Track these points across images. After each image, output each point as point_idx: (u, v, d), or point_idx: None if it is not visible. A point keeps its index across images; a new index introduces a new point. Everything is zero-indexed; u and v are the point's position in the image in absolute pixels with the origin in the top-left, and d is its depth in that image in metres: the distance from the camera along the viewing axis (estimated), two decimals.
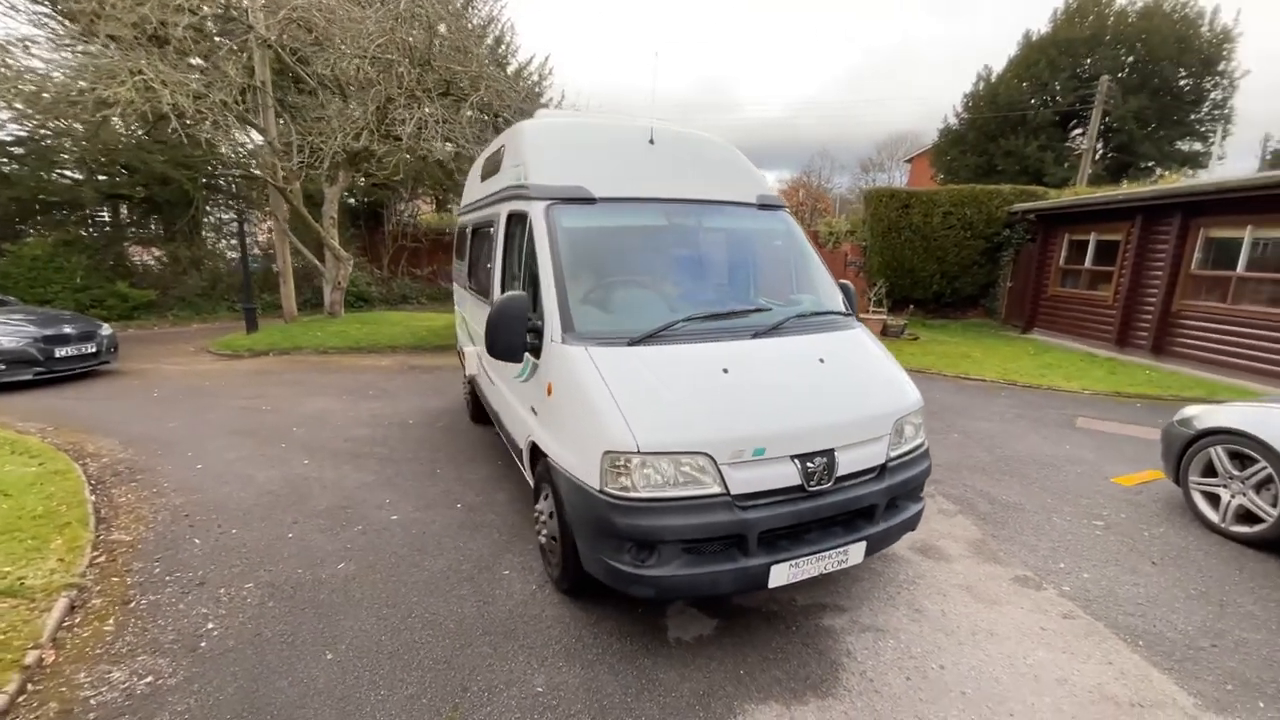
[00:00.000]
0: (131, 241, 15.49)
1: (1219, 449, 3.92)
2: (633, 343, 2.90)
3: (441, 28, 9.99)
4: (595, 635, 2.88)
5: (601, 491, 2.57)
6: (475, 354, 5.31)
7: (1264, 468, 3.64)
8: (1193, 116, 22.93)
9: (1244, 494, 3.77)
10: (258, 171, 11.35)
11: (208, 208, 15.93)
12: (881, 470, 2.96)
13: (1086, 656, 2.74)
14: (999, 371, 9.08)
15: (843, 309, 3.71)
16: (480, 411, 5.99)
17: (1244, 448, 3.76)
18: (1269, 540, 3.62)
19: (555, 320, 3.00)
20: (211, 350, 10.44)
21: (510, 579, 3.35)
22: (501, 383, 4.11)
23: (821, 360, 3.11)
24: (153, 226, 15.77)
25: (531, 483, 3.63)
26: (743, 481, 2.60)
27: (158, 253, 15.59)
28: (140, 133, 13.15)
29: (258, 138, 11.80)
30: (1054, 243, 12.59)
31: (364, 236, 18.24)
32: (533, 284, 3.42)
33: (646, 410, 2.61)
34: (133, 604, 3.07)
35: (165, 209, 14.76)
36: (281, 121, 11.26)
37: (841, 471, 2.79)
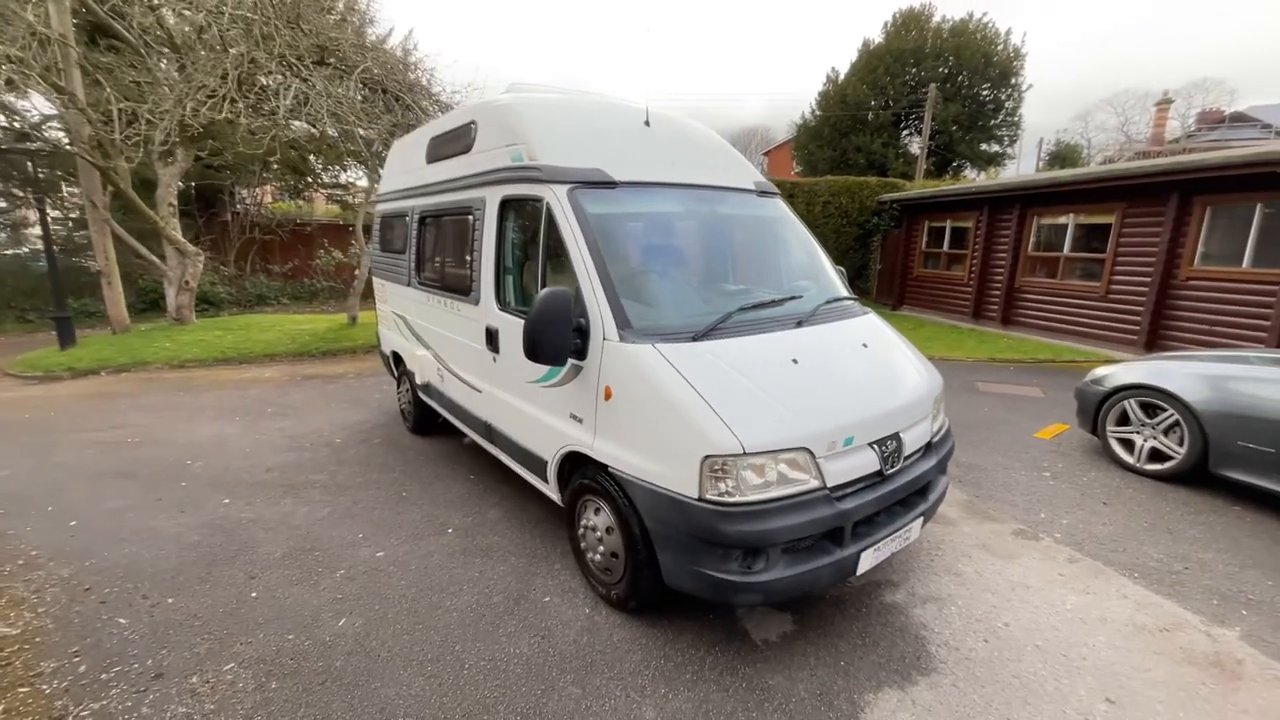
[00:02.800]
0: None
1: (1132, 401, 4.65)
2: (696, 337, 2.72)
3: None
4: (681, 652, 2.68)
5: (701, 500, 2.38)
6: (430, 358, 4.72)
7: (1171, 415, 4.38)
8: (993, 123, 27.10)
9: (1155, 438, 4.52)
10: (70, 147, 9.05)
11: None
12: (929, 447, 3.09)
13: (1107, 594, 3.09)
14: None
15: (849, 294, 3.81)
16: (426, 423, 5.38)
17: (1153, 399, 4.50)
18: (1177, 474, 4.37)
19: (608, 317, 2.72)
20: (12, 372, 8.27)
21: (556, 605, 3.01)
22: (501, 390, 3.66)
23: (865, 345, 3.16)
24: None
25: (559, 499, 3.29)
26: (836, 473, 2.56)
27: None
28: None
29: (45, 105, 9.43)
30: (916, 229, 14.19)
31: (197, 227, 15.48)
32: (544, 277, 3.14)
33: (742, 409, 2.45)
34: (69, 718, 2.30)
35: None
36: (104, 91, 9.07)
37: (906, 452, 2.86)
